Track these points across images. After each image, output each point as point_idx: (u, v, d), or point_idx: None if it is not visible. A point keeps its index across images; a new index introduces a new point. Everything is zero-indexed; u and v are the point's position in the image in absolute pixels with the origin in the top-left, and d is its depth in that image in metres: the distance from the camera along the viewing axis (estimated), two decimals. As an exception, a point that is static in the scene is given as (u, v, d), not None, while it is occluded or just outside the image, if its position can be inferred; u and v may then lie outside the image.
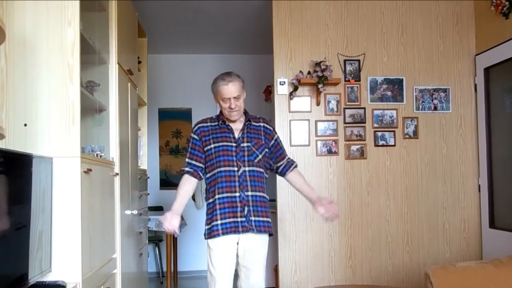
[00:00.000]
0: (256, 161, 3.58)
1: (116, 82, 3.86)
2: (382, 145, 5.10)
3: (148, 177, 5.88)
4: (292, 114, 5.03)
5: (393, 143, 5.11)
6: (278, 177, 4.95)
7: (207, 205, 3.63)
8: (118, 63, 3.92)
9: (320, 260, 4.99)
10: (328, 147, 5.03)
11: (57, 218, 2.86)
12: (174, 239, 6.83)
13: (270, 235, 3.68)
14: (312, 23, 5.11)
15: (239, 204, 3.50)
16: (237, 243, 3.57)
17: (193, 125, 3.80)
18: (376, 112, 5.10)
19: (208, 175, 3.63)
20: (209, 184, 3.63)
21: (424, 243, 5.12)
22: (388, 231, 5.08)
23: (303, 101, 5.05)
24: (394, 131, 5.12)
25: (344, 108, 5.08)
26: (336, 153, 5.05)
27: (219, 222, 3.50)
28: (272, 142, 3.73)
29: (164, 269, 7.17)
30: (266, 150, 3.67)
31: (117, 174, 3.84)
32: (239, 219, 3.50)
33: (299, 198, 4.95)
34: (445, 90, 5.19)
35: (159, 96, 7.82)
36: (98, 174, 3.34)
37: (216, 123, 3.65)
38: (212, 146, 3.58)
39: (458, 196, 5.19)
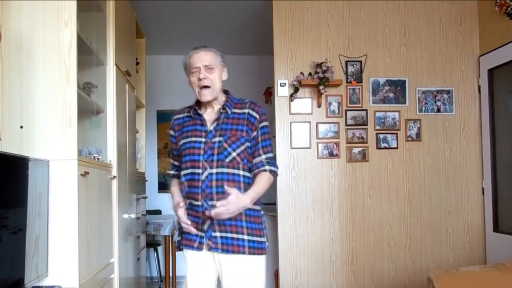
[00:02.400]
0: (227, 160, 2.85)
1: (113, 83, 3.85)
2: (384, 148, 5.05)
3: (147, 180, 5.85)
4: (293, 116, 4.97)
5: (395, 146, 5.06)
6: (278, 178, 4.91)
7: None
8: (115, 64, 3.90)
9: (321, 264, 4.93)
10: (330, 150, 4.97)
11: (54, 222, 2.84)
12: (173, 243, 6.77)
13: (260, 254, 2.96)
14: (313, 24, 5.06)
15: (201, 215, 2.84)
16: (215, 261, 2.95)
17: None
18: (378, 114, 5.04)
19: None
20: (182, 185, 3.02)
21: (427, 247, 5.07)
22: (390, 235, 5.02)
23: (304, 102, 4.99)
24: (396, 134, 5.07)
25: (346, 110, 5.02)
26: (337, 155, 4.99)
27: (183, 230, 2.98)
28: (254, 133, 2.95)
29: (163, 274, 7.12)
30: (248, 145, 2.92)
31: (114, 177, 3.81)
32: (198, 233, 2.89)
33: (300, 201, 4.92)
34: (448, 92, 5.14)
35: (158, 97, 7.78)
36: (96, 177, 3.32)
37: (190, 113, 3.05)
38: (182, 142, 2.99)
39: (461, 200, 5.14)
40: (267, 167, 2.94)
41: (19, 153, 2.72)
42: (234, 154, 2.87)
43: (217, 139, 2.88)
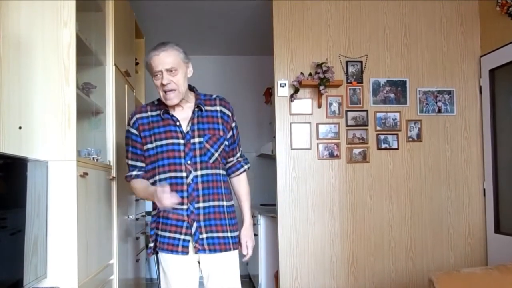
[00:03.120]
0: (211, 161, 2.83)
1: (113, 84, 3.84)
2: (385, 149, 5.02)
3: (146, 181, 5.81)
4: (293, 117, 4.95)
5: (396, 147, 5.04)
6: (279, 180, 4.90)
7: (152, 217, 2.98)
8: (115, 64, 3.89)
9: (322, 266, 4.91)
10: (330, 151, 4.95)
11: (53, 223, 2.83)
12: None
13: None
14: (313, 24, 5.04)
15: (186, 219, 2.80)
16: (198, 262, 2.92)
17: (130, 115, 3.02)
18: (379, 114, 5.02)
19: (151, 181, 2.89)
20: None
21: (428, 248, 5.05)
22: (391, 236, 5.00)
23: (304, 103, 4.97)
24: (397, 134, 5.04)
25: (346, 111, 5.00)
26: (338, 156, 4.96)
27: (159, 232, 2.88)
28: (230, 133, 2.96)
29: (162, 274, 7.09)
30: (226, 143, 2.92)
31: (114, 178, 3.79)
32: (182, 237, 2.82)
33: (300, 202, 4.90)
34: (449, 92, 5.12)
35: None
36: (95, 178, 3.31)
37: (158, 112, 2.90)
38: (154, 145, 2.84)
39: (462, 201, 5.11)
40: (245, 166, 3.09)
41: (17, 154, 2.71)
42: (216, 154, 2.87)
43: (196, 139, 2.83)
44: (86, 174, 3.00)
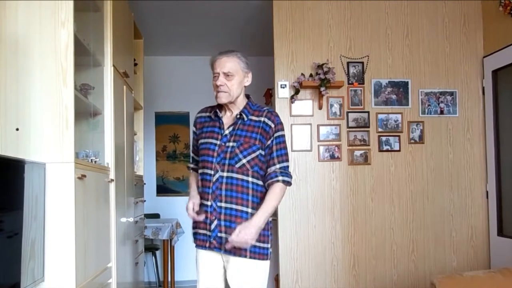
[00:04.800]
0: (237, 166, 2.94)
1: (111, 85, 3.81)
2: (387, 150, 5.00)
3: (145, 183, 5.80)
4: (294, 118, 4.93)
5: (398, 148, 5.02)
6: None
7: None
8: (113, 65, 3.86)
9: (323, 269, 4.88)
10: (331, 152, 4.92)
11: (50, 226, 2.80)
12: (171, 248, 6.70)
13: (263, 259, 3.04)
14: (314, 24, 5.02)
15: (209, 215, 2.96)
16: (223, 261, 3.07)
17: None
18: (380, 116, 5.00)
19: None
20: None
21: (430, 251, 5.03)
22: (392, 239, 4.98)
23: (305, 104, 4.95)
24: (399, 136, 5.03)
25: (348, 112, 4.98)
26: (339, 158, 4.94)
27: (197, 230, 3.07)
28: (268, 142, 3.01)
29: (161, 279, 7.07)
30: (261, 152, 2.99)
31: (112, 180, 3.77)
32: (206, 232, 3.00)
33: (300, 204, 4.89)
34: (451, 93, 5.10)
35: (156, 99, 7.73)
36: (93, 180, 3.28)
37: (211, 113, 3.16)
38: (200, 142, 3.12)
39: (465, 203, 5.09)
40: (280, 178, 3.00)
41: (15, 156, 2.69)
42: (244, 160, 2.96)
43: (230, 144, 2.99)
44: (84, 176, 2.97)
